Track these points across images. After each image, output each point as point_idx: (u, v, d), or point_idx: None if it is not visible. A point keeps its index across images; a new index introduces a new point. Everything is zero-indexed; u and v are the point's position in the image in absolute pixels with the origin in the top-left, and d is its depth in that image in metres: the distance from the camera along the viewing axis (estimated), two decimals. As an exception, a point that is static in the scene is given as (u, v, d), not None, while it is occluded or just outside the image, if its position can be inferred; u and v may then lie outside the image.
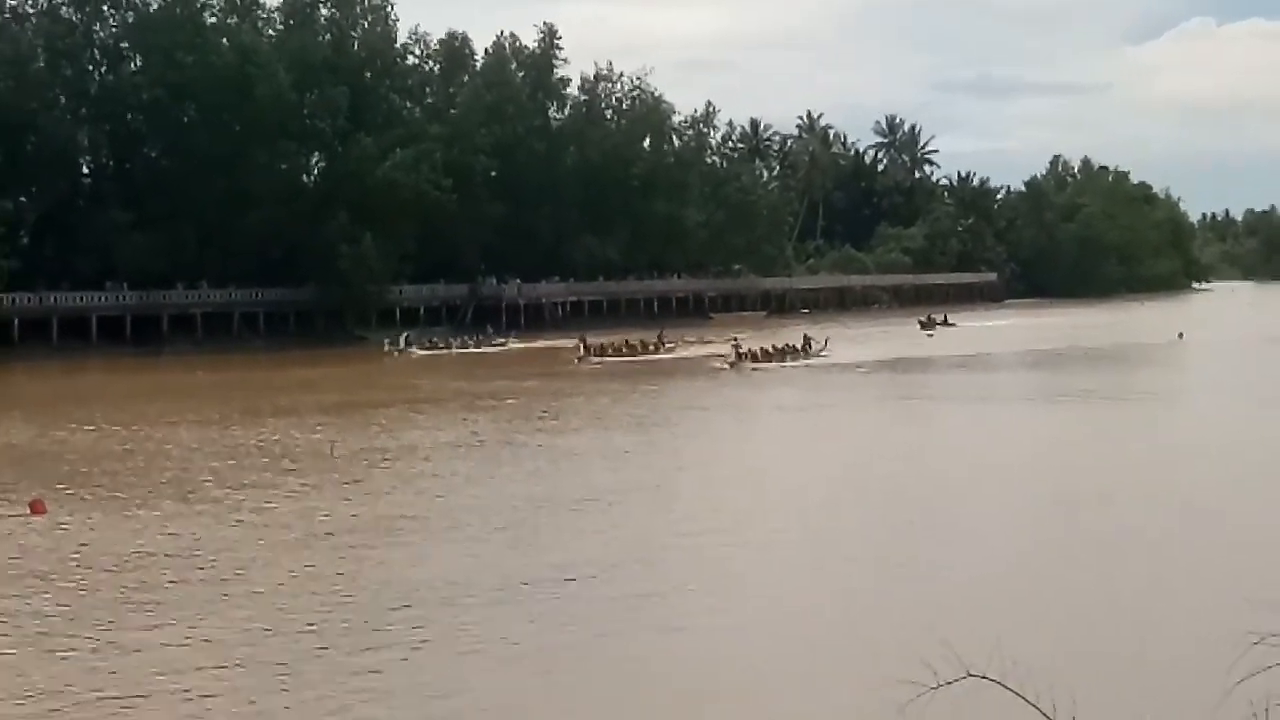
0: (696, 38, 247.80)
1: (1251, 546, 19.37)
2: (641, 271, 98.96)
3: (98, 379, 58.56)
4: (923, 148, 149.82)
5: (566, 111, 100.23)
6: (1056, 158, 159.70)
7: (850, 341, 67.44)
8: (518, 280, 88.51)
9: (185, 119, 77.21)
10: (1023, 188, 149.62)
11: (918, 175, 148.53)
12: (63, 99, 77.20)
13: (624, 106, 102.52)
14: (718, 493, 24.90)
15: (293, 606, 16.51)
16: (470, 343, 72.09)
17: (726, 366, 55.71)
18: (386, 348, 68.30)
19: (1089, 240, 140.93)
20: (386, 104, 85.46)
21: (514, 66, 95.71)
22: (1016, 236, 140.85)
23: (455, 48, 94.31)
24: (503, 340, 73.83)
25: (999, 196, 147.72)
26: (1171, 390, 47.01)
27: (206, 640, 14.96)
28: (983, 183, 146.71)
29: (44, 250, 72.39)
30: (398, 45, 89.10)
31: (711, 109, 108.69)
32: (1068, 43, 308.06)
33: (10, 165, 72.42)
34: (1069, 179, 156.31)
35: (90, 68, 79.33)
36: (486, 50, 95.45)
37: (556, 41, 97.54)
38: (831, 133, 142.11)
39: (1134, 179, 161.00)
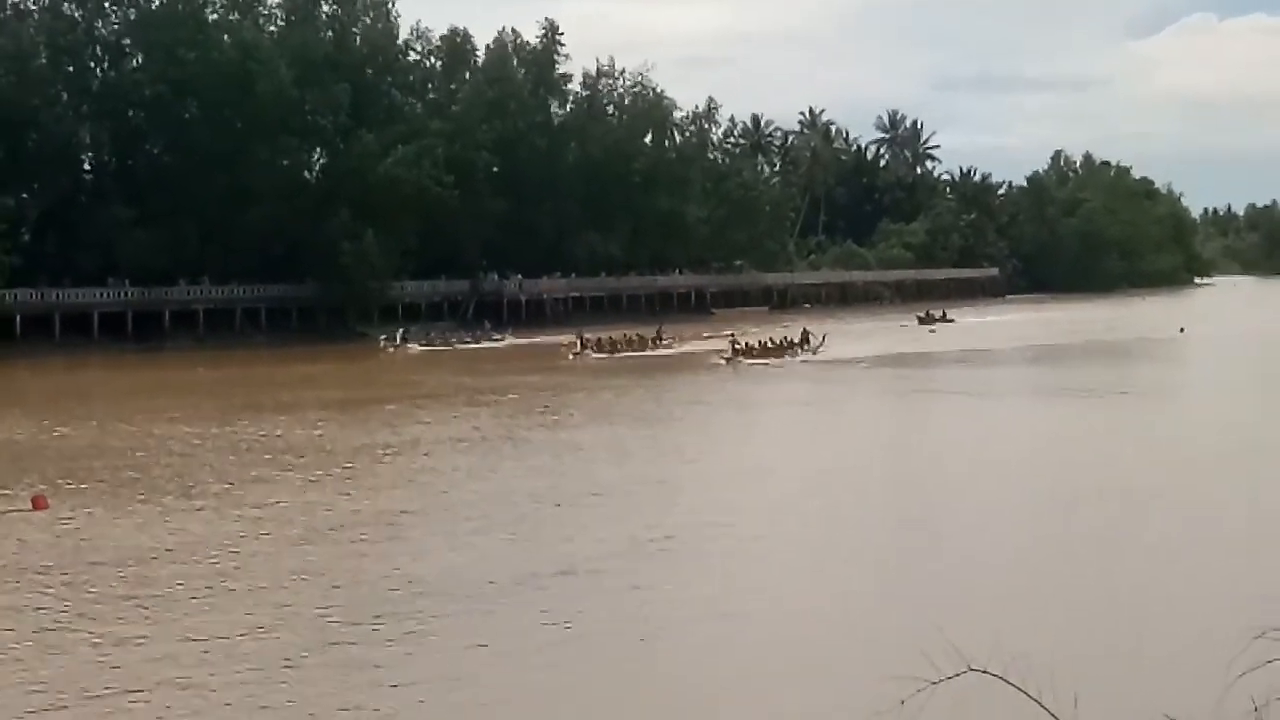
0: (698, 34, 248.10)
1: (1252, 541, 19.41)
2: (643, 267, 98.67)
3: (99, 375, 58.64)
4: (924, 143, 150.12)
5: (568, 107, 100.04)
6: (1058, 153, 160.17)
7: (851, 337, 67.47)
8: (519, 276, 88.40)
9: (187, 115, 77.06)
10: (1024, 183, 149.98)
11: (919, 171, 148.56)
12: (64, 95, 77.06)
13: (625, 103, 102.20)
14: (719, 488, 24.91)
15: (294, 601, 16.54)
16: (469, 339, 72.13)
17: (723, 362, 55.71)
18: (382, 343, 68.40)
19: (1090, 235, 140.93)
20: (388, 100, 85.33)
21: (515, 63, 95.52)
22: (1018, 232, 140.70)
23: (457, 44, 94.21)
24: (500, 336, 73.88)
25: (1000, 192, 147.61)
26: (1173, 386, 47.01)
27: (208, 635, 14.97)
28: (984, 178, 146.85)
29: (46, 246, 72.29)
30: (399, 41, 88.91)
31: (713, 105, 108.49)
32: (1069, 38, 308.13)
33: (12, 162, 72.31)
34: (1070, 174, 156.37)
35: (92, 64, 79.22)
36: (488, 46, 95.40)
37: (558, 38, 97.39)
38: (833, 128, 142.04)
39: (1135, 174, 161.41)
